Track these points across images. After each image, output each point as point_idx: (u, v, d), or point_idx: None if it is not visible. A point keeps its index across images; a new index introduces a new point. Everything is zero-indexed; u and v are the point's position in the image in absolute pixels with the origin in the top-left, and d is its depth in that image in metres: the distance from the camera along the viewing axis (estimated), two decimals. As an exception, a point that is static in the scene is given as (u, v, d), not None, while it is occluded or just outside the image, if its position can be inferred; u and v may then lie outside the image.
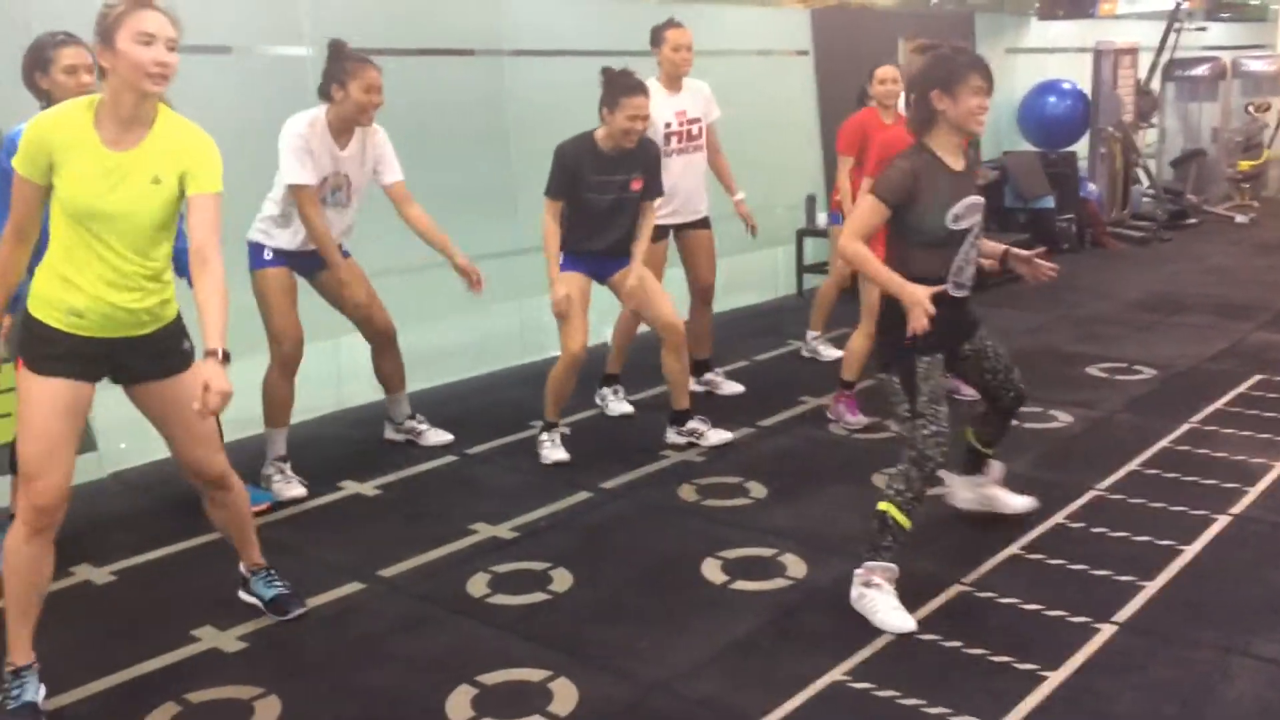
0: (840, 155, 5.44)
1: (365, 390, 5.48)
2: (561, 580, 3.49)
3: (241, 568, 3.31)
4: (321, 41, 4.84)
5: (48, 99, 3.39)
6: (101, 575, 3.58)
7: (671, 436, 4.67)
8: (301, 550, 3.76)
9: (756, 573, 3.51)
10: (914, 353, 3.19)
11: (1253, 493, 4.00)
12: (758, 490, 4.20)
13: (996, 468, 3.78)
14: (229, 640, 3.14)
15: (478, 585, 3.47)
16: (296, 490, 4.16)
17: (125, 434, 4.41)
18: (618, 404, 5.18)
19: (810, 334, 6.06)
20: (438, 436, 4.74)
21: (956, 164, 3.23)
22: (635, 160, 4.37)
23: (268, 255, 4.13)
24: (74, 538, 3.68)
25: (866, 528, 3.81)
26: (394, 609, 3.34)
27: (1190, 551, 3.55)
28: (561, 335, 4.40)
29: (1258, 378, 5.38)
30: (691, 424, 4.66)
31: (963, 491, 3.80)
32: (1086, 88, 9.72)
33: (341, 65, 4.01)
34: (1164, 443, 4.55)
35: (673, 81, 5.01)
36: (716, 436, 4.65)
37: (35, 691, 2.74)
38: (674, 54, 5.01)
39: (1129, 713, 2.71)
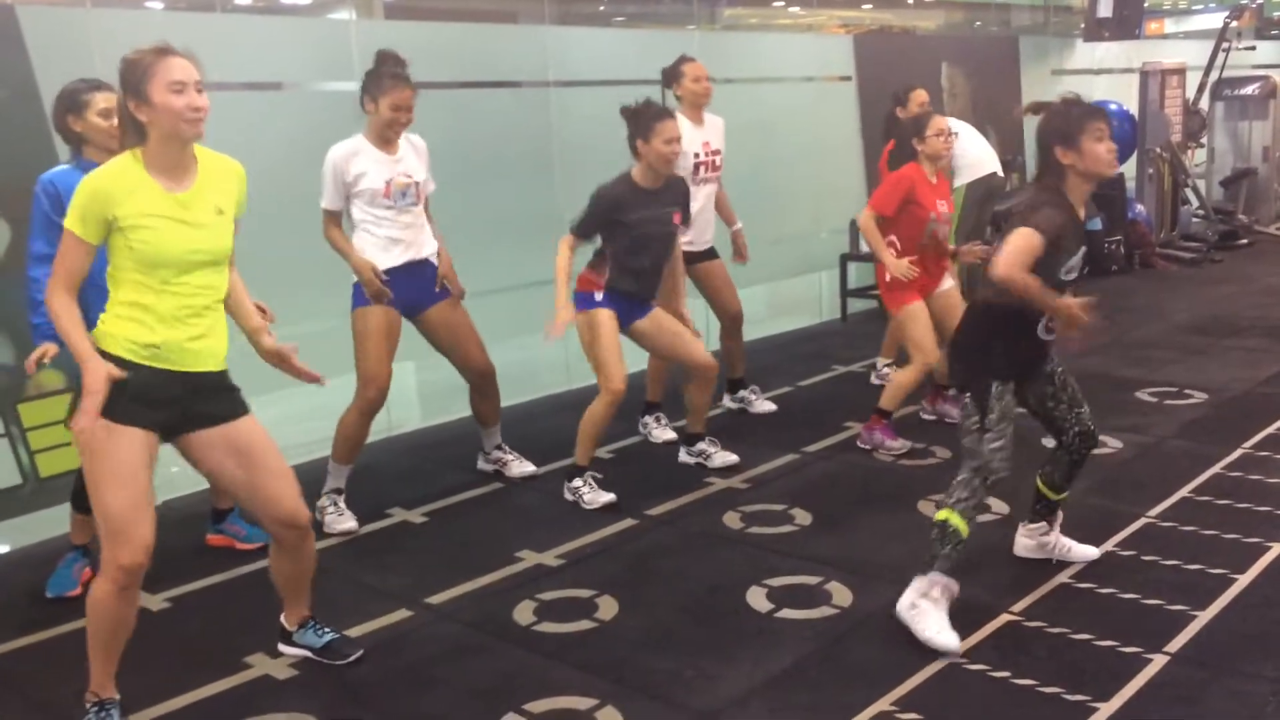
0: (869, 209, 4.84)
1: (413, 417, 5.56)
2: (607, 608, 3.51)
3: (284, 621, 3.25)
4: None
5: (80, 143, 3.51)
6: (156, 602, 3.65)
7: (682, 456, 4.78)
8: (350, 577, 3.82)
9: (802, 601, 3.50)
10: (990, 376, 3.30)
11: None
12: (803, 517, 4.20)
13: (1058, 517, 3.71)
14: (280, 667, 3.19)
15: (524, 613, 3.49)
16: (348, 524, 4.19)
17: (176, 460, 4.49)
18: (661, 430, 5.20)
19: (881, 361, 6.02)
20: (521, 468, 4.76)
21: (1080, 213, 3.32)
22: (673, 193, 4.39)
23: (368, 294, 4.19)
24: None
25: (913, 554, 3.80)
26: (442, 636, 3.37)
27: (1244, 580, 3.49)
28: (601, 375, 4.31)
29: (1313, 402, 5.28)
30: (701, 445, 4.74)
31: (1023, 539, 3.73)
32: (1134, 109, 9.64)
33: (377, 80, 4.13)
34: (1216, 469, 4.48)
35: (696, 113, 5.08)
36: (722, 459, 4.71)
37: None
38: (695, 85, 5.09)
39: (1183, 746, 2.67)
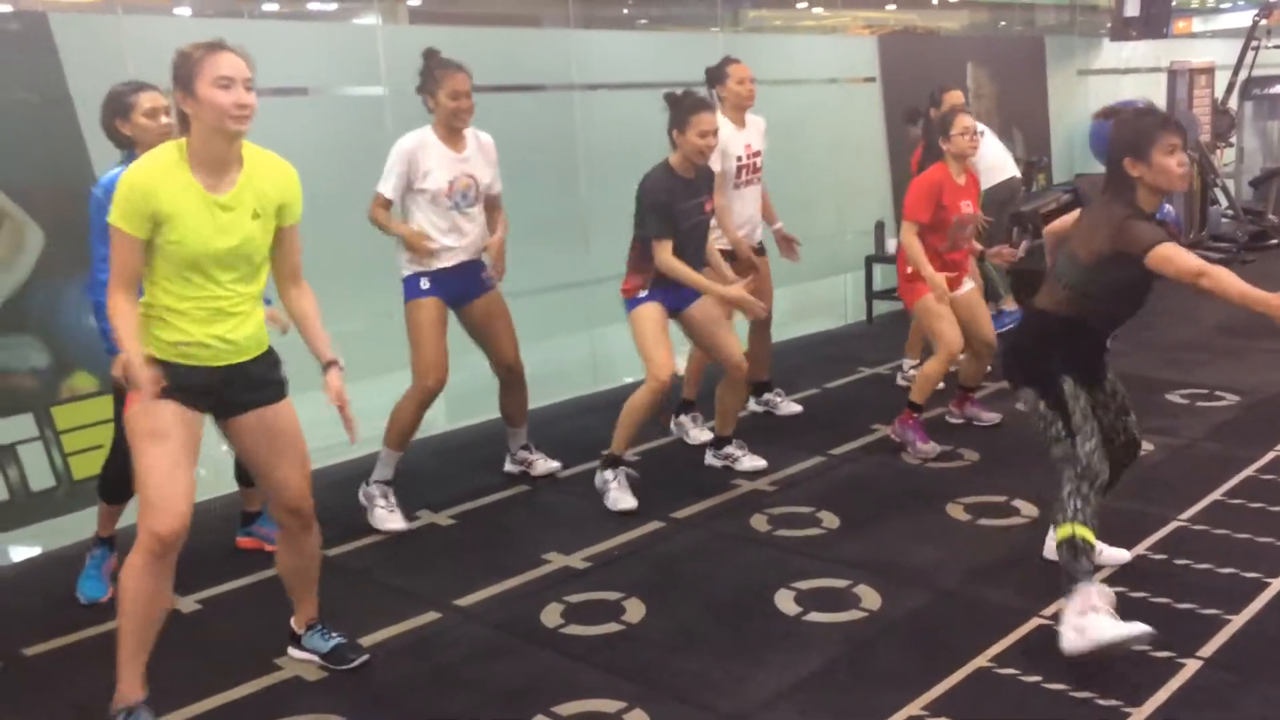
0: (907, 221, 4.81)
1: (440, 419, 5.58)
2: (635, 610, 3.51)
3: (293, 624, 3.24)
4: (397, 82, 4.98)
5: (130, 145, 3.52)
6: (188, 604, 3.68)
7: (709, 459, 4.77)
8: (379, 579, 3.84)
9: (830, 604, 3.49)
10: (1059, 375, 3.25)
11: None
12: (830, 520, 4.18)
13: (1109, 554, 3.55)
14: (310, 669, 3.21)
15: (552, 615, 3.50)
16: (397, 523, 4.18)
17: (206, 462, 4.53)
18: (698, 431, 5.20)
19: (907, 362, 6.01)
20: (546, 465, 4.78)
21: None
22: (705, 181, 4.40)
23: (424, 285, 4.22)
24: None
25: (941, 557, 3.79)
26: (470, 638, 3.39)
27: (1277, 584, 3.45)
28: (648, 366, 4.29)
29: (1347, 404, 5.22)
30: (729, 449, 4.73)
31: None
32: (1162, 108, 9.55)
33: (431, 75, 4.14)
34: (1249, 471, 4.43)
35: (738, 114, 5.05)
36: (750, 462, 4.70)
37: None
38: (739, 86, 5.04)
39: (1217, 751, 2.64)
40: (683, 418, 5.26)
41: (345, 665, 3.18)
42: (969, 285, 5.00)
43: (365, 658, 3.22)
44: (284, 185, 2.84)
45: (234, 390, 2.84)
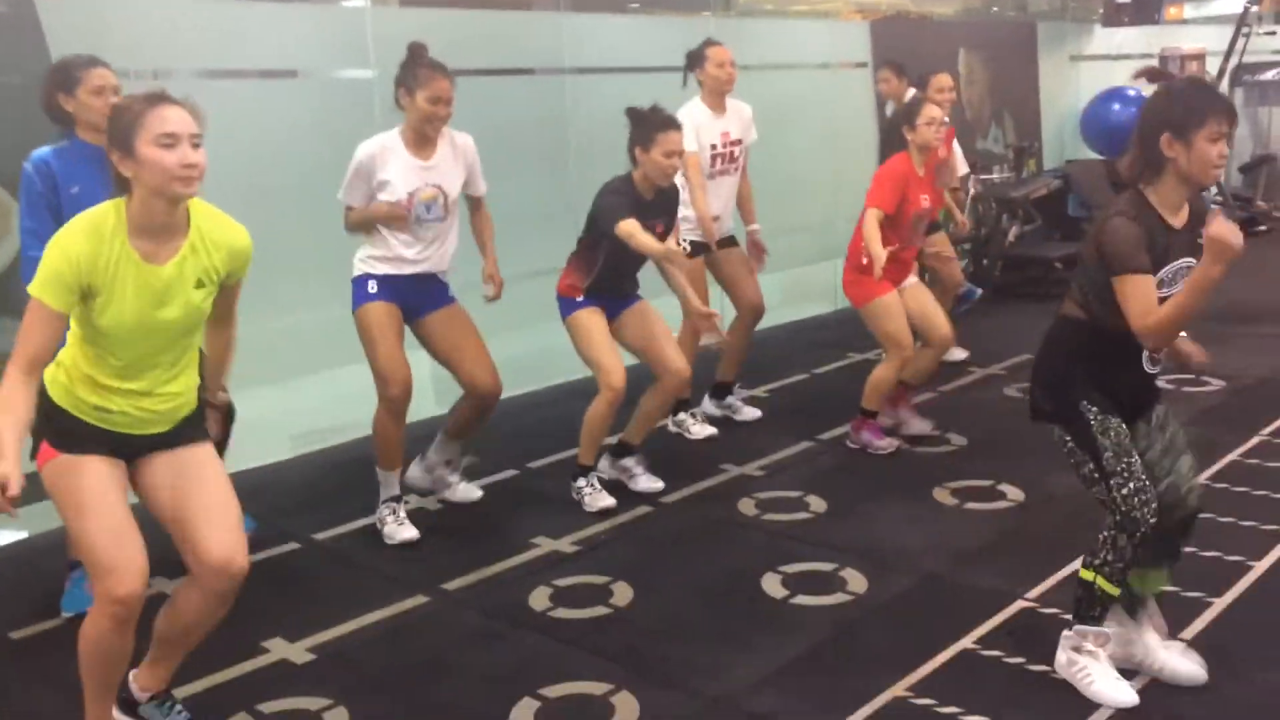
0: (872, 209, 4.53)
1: (427, 405, 5.58)
2: (622, 594, 3.53)
3: (133, 684, 2.76)
4: (387, 64, 4.93)
5: (70, 123, 3.39)
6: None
7: (602, 466, 4.40)
8: (368, 565, 3.84)
9: (817, 588, 3.51)
10: (1081, 402, 2.82)
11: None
12: (817, 504, 4.20)
13: (1155, 617, 3.01)
14: (298, 652, 3.22)
15: (540, 599, 3.51)
16: (409, 533, 3.97)
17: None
18: (749, 409, 5.18)
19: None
20: (467, 493, 4.40)
21: (1177, 219, 2.74)
22: (665, 204, 4.20)
23: (372, 288, 3.93)
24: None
25: (928, 542, 3.81)
26: (458, 623, 3.40)
27: (1260, 567, 3.48)
28: (599, 375, 4.12)
29: (1332, 389, 5.25)
30: (628, 461, 4.41)
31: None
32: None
33: (412, 72, 3.86)
34: (1233, 456, 4.46)
35: (717, 101, 4.89)
36: (647, 482, 4.39)
37: None
38: (719, 70, 4.90)
39: (1198, 732, 2.67)
40: (732, 399, 5.24)
41: None
42: (912, 279, 4.81)
43: None
44: (233, 254, 2.56)
45: (152, 442, 2.60)
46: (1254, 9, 10.24)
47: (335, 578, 3.70)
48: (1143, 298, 2.65)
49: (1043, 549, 3.68)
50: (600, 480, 4.30)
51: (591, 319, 4.16)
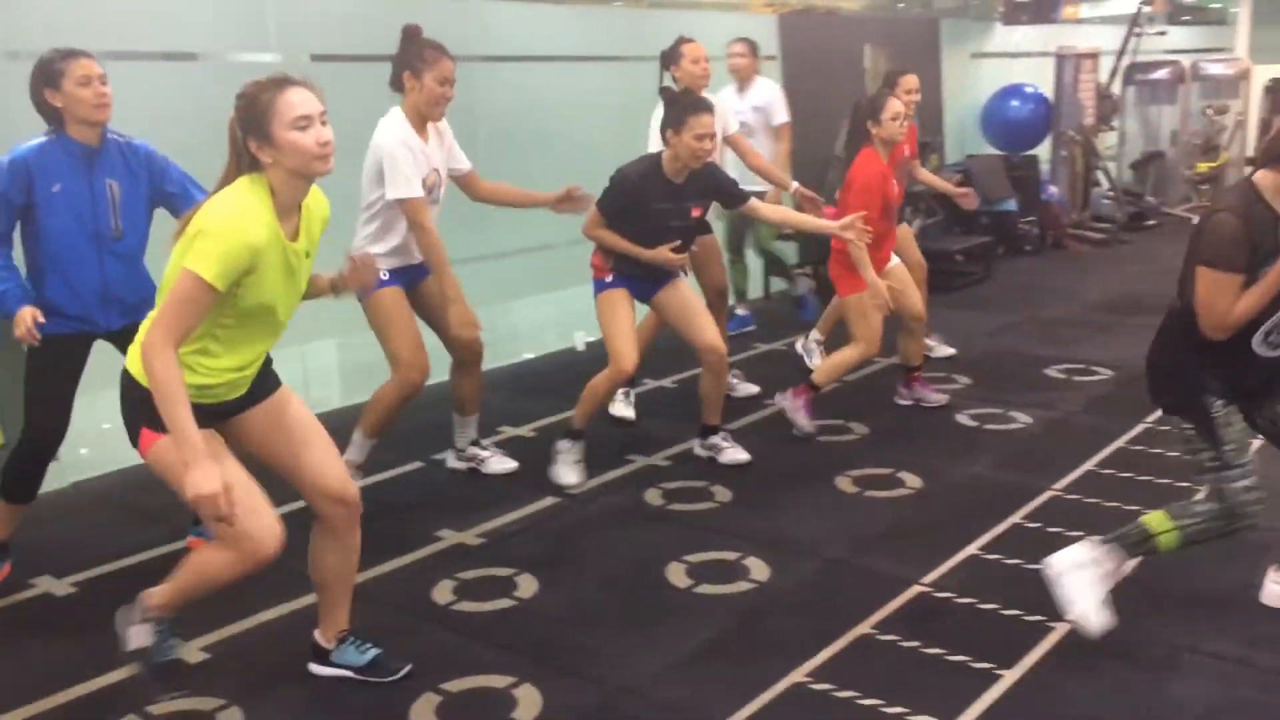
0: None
1: (333, 396, 5.49)
2: (528, 586, 3.52)
3: (318, 638, 2.98)
4: (289, 49, 4.83)
5: (60, 118, 3.32)
6: (62, 587, 3.57)
7: (697, 449, 4.62)
8: (267, 558, 3.76)
9: (721, 577, 3.55)
10: (1205, 396, 2.89)
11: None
12: (723, 494, 4.25)
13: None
14: (191, 651, 3.14)
15: (443, 593, 3.49)
16: None
17: (87, 441, 4.39)
18: (625, 407, 5.21)
19: (814, 334, 5.91)
20: (501, 465, 4.49)
21: None
22: (698, 186, 4.23)
23: (384, 275, 3.89)
24: (33, 549, 3.68)
25: (830, 529, 3.88)
26: (358, 618, 3.32)
27: (1143, 551, 3.62)
28: (612, 348, 4.20)
29: (1213, 378, 5.47)
30: (714, 439, 4.56)
31: (1276, 587, 3.22)
32: (1049, 92, 9.86)
33: (418, 52, 3.83)
34: (1120, 443, 4.64)
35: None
36: (732, 455, 4.51)
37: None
38: (694, 67, 4.96)
39: (1082, 710, 2.77)
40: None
41: (390, 676, 2.95)
42: (894, 261, 5.02)
43: (409, 667, 2.98)
44: (324, 220, 2.73)
45: (241, 402, 2.72)
46: (1146, 9, 10.60)
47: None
48: (1216, 294, 2.76)
49: (939, 535, 3.78)
50: (580, 452, 4.36)
51: (614, 299, 4.27)
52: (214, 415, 2.63)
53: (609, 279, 4.28)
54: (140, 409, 2.52)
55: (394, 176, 3.81)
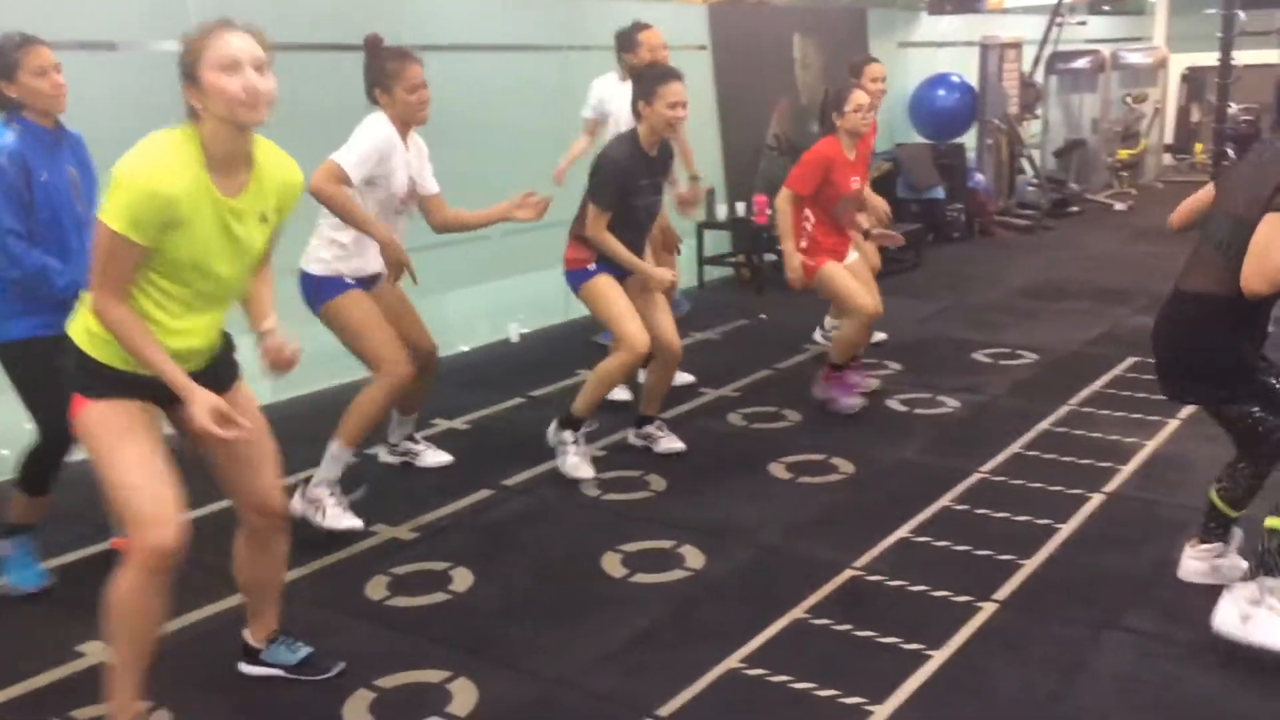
0: (785, 188, 4.84)
1: (263, 391, 5.39)
2: (462, 579, 3.51)
3: (248, 638, 2.94)
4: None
5: (15, 107, 3.21)
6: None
7: (631, 438, 4.62)
8: (193, 559, 3.67)
9: (656, 565, 3.57)
10: (1260, 381, 2.95)
11: (1125, 471, 4.20)
12: (658, 483, 4.26)
13: (1238, 535, 3.27)
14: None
15: (377, 588, 3.46)
16: (351, 521, 3.74)
17: (10, 441, 4.26)
18: (622, 390, 5.15)
19: (829, 320, 5.93)
20: (436, 457, 4.45)
21: None
22: (664, 160, 4.28)
23: (349, 280, 3.81)
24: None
25: (764, 516, 3.91)
26: (289, 616, 3.29)
27: (1066, 529, 3.72)
28: (623, 333, 4.11)
29: (1132, 360, 5.63)
30: (649, 429, 4.58)
31: (1193, 563, 3.31)
32: (974, 81, 10.02)
33: (381, 67, 3.73)
34: (1044, 425, 4.74)
35: None
36: (668, 444, 4.54)
37: None
38: (651, 55, 4.90)
39: (1008, 687, 2.84)
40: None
41: (323, 675, 2.91)
42: (854, 255, 5.05)
43: (342, 665, 2.95)
44: (287, 188, 2.56)
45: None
46: (1067, 0, 10.83)
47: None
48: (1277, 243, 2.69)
49: (870, 519, 3.84)
50: (586, 437, 4.29)
51: (604, 285, 4.18)
52: (160, 390, 2.46)
53: (592, 267, 4.20)
54: (76, 374, 2.46)
55: (351, 145, 3.66)
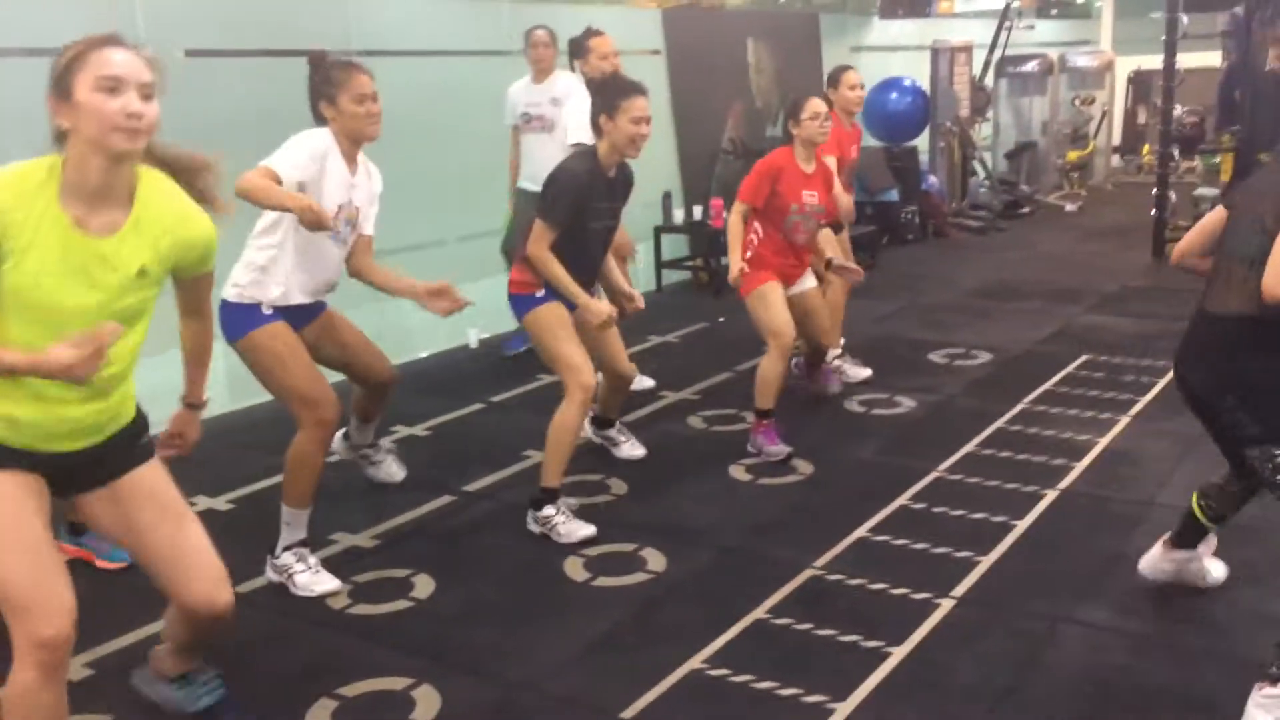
0: (740, 201, 4.56)
1: (221, 399, 5.34)
2: (424, 586, 3.50)
3: (155, 661, 2.73)
4: (157, 42, 4.63)
5: None
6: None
7: (591, 435, 4.56)
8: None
9: (618, 568, 3.58)
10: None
11: (1078, 468, 4.28)
12: (619, 487, 4.28)
13: (1212, 540, 3.24)
14: (74, 668, 3.03)
15: (338, 596, 3.44)
16: (329, 584, 3.47)
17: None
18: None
19: (830, 353, 5.41)
20: (389, 473, 4.23)
21: None
22: (624, 183, 4.03)
23: (266, 310, 3.42)
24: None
25: (724, 518, 3.94)
26: (251, 625, 3.27)
27: (1021, 526, 3.78)
28: (567, 374, 3.79)
29: (1084, 358, 5.74)
30: (610, 432, 4.55)
31: (1160, 563, 3.25)
32: (926, 84, 10.15)
33: (326, 76, 3.41)
34: (999, 423, 4.82)
35: None
36: (629, 450, 4.53)
37: None
38: (602, 62, 4.84)
39: (966, 682, 2.88)
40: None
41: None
42: (809, 283, 4.75)
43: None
44: (183, 244, 2.24)
45: (81, 464, 2.28)
46: (1015, 4, 11.00)
47: (115, 585, 3.50)
48: None
49: (830, 519, 3.88)
50: (569, 509, 3.89)
51: (554, 313, 3.87)
52: (45, 465, 2.20)
53: (540, 294, 3.88)
54: None
55: (283, 149, 3.34)
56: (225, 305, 3.42)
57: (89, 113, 2.06)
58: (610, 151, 3.85)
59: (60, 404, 2.18)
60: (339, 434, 4.15)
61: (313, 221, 3.15)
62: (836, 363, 5.51)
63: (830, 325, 5.08)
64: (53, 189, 2.09)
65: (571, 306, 3.91)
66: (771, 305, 4.49)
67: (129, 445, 2.36)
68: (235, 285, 3.45)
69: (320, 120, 3.46)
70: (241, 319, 3.41)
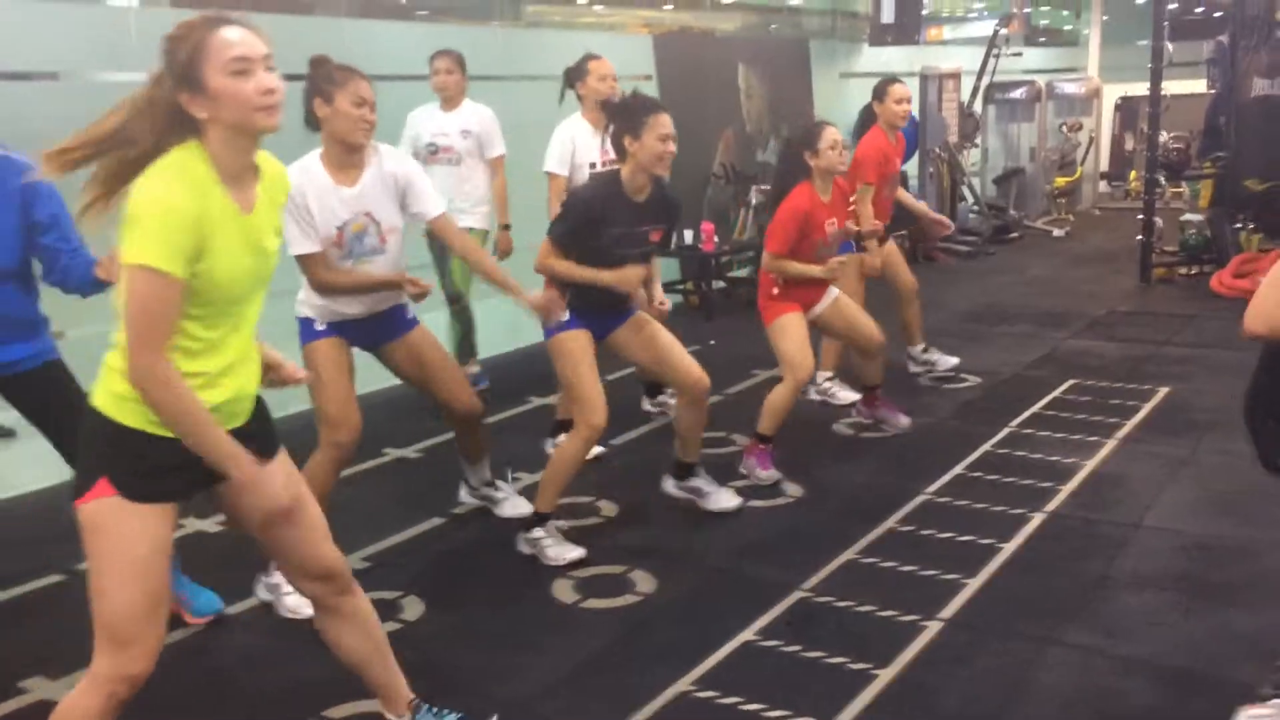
0: (768, 252, 4.51)
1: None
2: (413, 608, 3.50)
3: (385, 712, 2.68)
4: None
5: None
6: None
7: (670, 489, 4.26)
8: (142, 591, 3.65)
9: (607, 590, 3.59)
10: None
11: (1065, 491, 4.30)
12: (609, 509, 4.29)
13: None
14: (61, 690, 3.02)
15: (328, 618, 3.44)
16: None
17: None
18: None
19: (821, 374, 5.51)
20: (514, 508, 4.13)
21: None
22: (657, 208, 3.83)
23: (320, 326, 3.52)
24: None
25: (713, 541, 3.95)
26: (242, 645, 3.29)
27: (1009, 548, 3.80)
28: (578, 407, 3.77)
29: (1071, 382, 5.78)
30: (695, 481, 4.23)
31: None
32: (915, 111, 10.23)
33: (326, 75, 3.39)
34: (987, 446, 4.85)
35: (600, 117, 4.51)
36: (716, 501, 4.18)
37: None
38: (601, 84, 4.79)
39: (954, 704, 2.89)
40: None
41: None
42: (833, 294, 4.70)
43: (495, 718, 2.80)
44: (286, 190, 2.36)
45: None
46: (1003, 32, 11.11)
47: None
48: None
49: (818, 541, 3.90)
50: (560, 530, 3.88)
51: (577, 342, 3.78)
52: (181, 467, 2.17)
53: (565, 317, 3.79)
54: (106, 453, 2.15)
55: (288, 231, 3.31)
56: (298, 319, 3.59)
57: (228, 99, 2.07)
58: (635, 172, 3.73)
59: (238, 375, 2.25)
60: (462, 482, 4.20)
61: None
62: (826, 384, 5.55)
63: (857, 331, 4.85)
64: (211, 175, 2.12)
65: (598, 333, 3.88)
66: (792, 338, 4.47)
67: (264, 425, 2.39)
68: (298, 299, 3.58)
69: (313, 123, 3.43)
70: (301, 332, 3.58)
